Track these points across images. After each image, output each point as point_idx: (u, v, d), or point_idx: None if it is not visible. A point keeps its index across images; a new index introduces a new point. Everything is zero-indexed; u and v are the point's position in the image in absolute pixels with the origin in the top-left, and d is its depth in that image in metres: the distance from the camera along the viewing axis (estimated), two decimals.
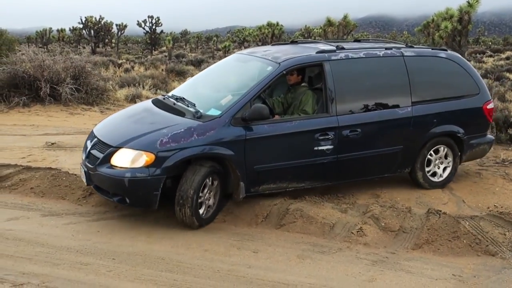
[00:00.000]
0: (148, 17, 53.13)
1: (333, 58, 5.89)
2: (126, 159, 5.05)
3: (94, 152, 5.41)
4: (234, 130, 5.28)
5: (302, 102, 5.95)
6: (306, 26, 56.15)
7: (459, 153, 6.62)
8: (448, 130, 6.44)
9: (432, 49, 6.89)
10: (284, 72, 5.68)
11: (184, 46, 72.04)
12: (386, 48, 6.32)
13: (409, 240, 5.10)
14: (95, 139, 5.55)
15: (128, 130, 5.49)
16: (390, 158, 6.19)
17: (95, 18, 49.03)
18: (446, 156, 6.59)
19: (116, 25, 51.27)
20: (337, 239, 5.12)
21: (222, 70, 6.94)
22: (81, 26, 49.23)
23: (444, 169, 6.63)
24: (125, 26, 52.62)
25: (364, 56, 6.09)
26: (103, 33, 49.40)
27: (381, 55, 6.20)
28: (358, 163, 5.97)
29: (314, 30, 49.50)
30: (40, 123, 10.99)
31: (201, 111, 5.43)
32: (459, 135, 6.51)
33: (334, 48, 6.07)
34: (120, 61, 31.28)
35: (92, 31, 48.33)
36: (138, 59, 35.79)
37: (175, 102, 5.86)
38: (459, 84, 6.60)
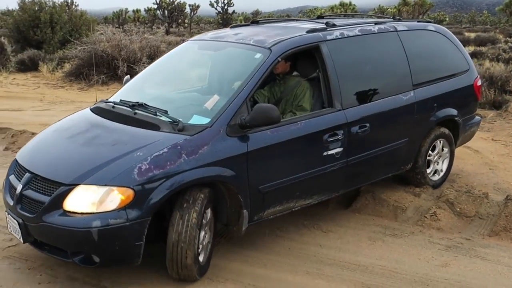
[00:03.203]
0: None
1: (328, 37, 4.73)
2: (89, 201, 3.54)
3: (29, 193, 3.79)
4: (232, 143, 3.95)
5: (297, 96, 4.74)
6: (379, 5, 54.82)
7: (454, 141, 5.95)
8: (448, 114, 5.68)
9: (418, 21, 6.10)
10: (279, 59, 4.40)
11: None
12: (376, 23, 5.34)
13: (485, 227, 4.95)
14: (28, 174, 3.89)
15: (80, 157, 3.89)
16: (396, 154, 5.28)
17: None
18: (442, 149, 5.87)
19: (189, 5, 52.05)
20: (409, 223, 5.04)
21: (184, 63, 5.39)
22: (155, 6, 50.33)
23: (442, 163, 5.94)
24: (198, 6, 53.28)
25: (360, 33, 5.04)
26: (176, 14, 50.28)
27: (376, 31, 5.20)
28: (366, 165, 4.98)
29: (388, 9, 48.23)
30: None
31: (180, 120, 3.97)
32: (456, 118, 5.79)
33: (323, 25, 4.95)
34: None
35: (166, 12, 49.30)
36: None
37: (135, 111, 4.25)
38: (451, 60, 5.90)
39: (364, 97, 4.89)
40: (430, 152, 5.69)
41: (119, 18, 55.72)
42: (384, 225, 4.99)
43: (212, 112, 4.08)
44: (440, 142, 5.77)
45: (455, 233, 4.88)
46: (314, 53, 4.67)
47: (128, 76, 5.32)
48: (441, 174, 5.90)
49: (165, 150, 3.71)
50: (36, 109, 10.62)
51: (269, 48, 4.42)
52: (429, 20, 6.41)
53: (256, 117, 3.93)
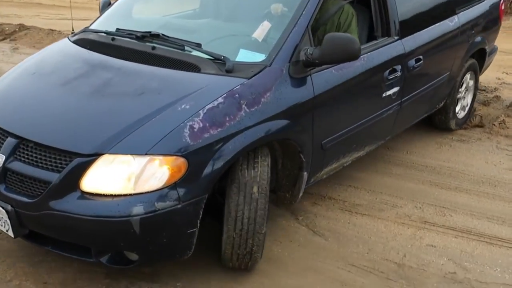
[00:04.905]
0: None
1: None
2: (122, 177, 2.51)
3: (18, 167, 2.64)
4: (297, 86, 3.02)
5: (340, 25, 3.64)
6: None
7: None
8: (480, 41, 4.88)
9: None
10: None
11: None
12: None
13: None
14: (11, 139, 2.71)
15: (97, 114, 2.78)
16: (438, 92, 4.49)
17: None
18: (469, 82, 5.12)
19: None
20: (477, 130, 5.08)
21: None
22: None
23: (468, 98, 5.17)
24: None
25: None
26: None
27: None
28: (413, 106, 4.20)
29: None
30: None
31: (225, 56, 2.93)
32: (486, 47, 5.03)
33: None
34: None
35: None
36: None
37: (152, 44, 3.13)
38: None
39: (418, 23, 4.10)
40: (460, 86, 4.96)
41: None
42: (451, 131, 5.04)
43: (267, 45, 3.08)
44: (469, 75, 5.04)
45: None
46: None
47: None
48: (466, 110, 5.15)
49: (220, 100, 2.72)
50: None
51: None
52: None
53: (330, 51, 2.95)
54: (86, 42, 3.43)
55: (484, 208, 3.78)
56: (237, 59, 2.98)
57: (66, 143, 2.59)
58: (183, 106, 2.68)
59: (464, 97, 5.07)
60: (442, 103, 4.73)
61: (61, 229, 2.61)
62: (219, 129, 2.64)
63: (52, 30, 8.37)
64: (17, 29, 8.50)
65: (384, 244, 3.33)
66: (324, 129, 3.27)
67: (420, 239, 3.39)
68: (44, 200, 2.55)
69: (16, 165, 2.65)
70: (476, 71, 5.09)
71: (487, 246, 3.34)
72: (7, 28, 8.57)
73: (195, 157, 2.56)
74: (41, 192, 2.57)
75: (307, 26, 3.10)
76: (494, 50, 5.46)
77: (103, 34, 3.44)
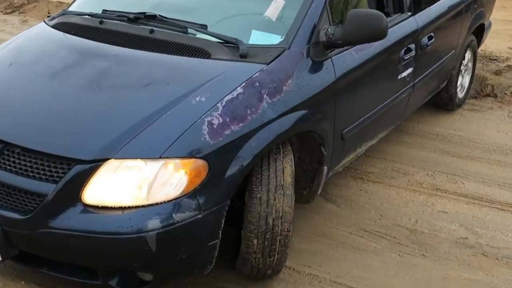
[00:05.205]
0: None
1: None
2: (131, 185, 2.16)
3: (5, 177, 2.24)
4: (319, 71, 2.71)
5: (353, 5, 3.25)
6: None
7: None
8: (481, 15, 4.65)
9: None
10: None
11: None
12: None
13: None
14: None
15: (95, 111, 2.38)
16: (444, 71, 4.25)
17: None
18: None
19: None
20: (489, 99, 5.07)
21: None
22: None
23: (467, 77, 4.97)
24: None
25: None
26: None
27: None
28: (423, 88, 3.97)
29: None
30: None
31: (237, 38, 2.59)
32: (485, 23, 4.85)
33: None
34: None
35: None
36: None
37: (149, 27, 2.73)
38: None
39: None
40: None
41: None
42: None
43: (282, 25, 2.74)
44: (468, 53, 4.80)
45: None
46: None
47: None
48: (465, 90, 4.94)
49: (240, 90, 2.37)
50: None
51: None
52: None
53: (354, 30, 2.63)
54: (68, 27, 2.98)
55: (495, 176, 3.79)
56: (250, 42, 2.64)
57: (62, 147, 2.19)
58: (198, 99, 2.31)
59: (464, 76, 4.87)
60: (445, 82, 4.51)
61: (61, 249, 2.23)
62: (241, 124, 2.29)
63: (61, 3, 8.34)
64: (25, 2, 8.49)
65: (396, 211, 3.37)
66: (345, 117, 2.97)
67: (432, 205, 3.42)
68: (39, 216, 2.16)
69: (1, 175, 2.24)
70: (475, 49, 4.90)
71: (499, 212, 3.37)
72: (15, 1, 8.56)
73: (216, 159, 2.21)
74: (35, 206, 2.18)
75: (325, 2, 2.78)
76: (489, 26, 5.22)
77: (87, 16, 3.00)
